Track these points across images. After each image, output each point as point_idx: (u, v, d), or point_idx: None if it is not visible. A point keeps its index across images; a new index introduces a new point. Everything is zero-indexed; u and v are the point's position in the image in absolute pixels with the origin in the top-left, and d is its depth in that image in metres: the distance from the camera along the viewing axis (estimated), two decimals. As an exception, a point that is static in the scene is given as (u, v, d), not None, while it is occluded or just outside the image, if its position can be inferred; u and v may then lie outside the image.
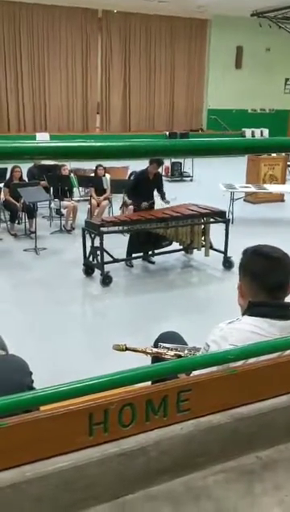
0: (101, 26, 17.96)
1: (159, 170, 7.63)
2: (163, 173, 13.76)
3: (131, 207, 8.39)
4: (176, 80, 19.50)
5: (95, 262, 6.27)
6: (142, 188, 6.95)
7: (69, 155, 0.95)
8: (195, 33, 19.27)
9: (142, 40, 18.64)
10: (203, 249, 6.73)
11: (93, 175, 9.26)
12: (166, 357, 2.04)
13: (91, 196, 8.92)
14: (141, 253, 6.90)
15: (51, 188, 8.79)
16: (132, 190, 7.18)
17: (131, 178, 8.76)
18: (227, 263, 6.54)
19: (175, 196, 7.27)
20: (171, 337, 2.37)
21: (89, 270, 6.33)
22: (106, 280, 6.02)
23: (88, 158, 0.96)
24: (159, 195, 7.17)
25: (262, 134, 19.35)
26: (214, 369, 1.24)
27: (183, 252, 7.18)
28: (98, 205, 8.82)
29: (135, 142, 0.95)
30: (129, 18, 18.11)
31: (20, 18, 16.77)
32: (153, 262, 6.89)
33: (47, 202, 8.63)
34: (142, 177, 6.98)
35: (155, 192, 7.19)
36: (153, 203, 7.12)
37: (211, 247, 6.74)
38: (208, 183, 11.16)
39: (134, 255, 6.78)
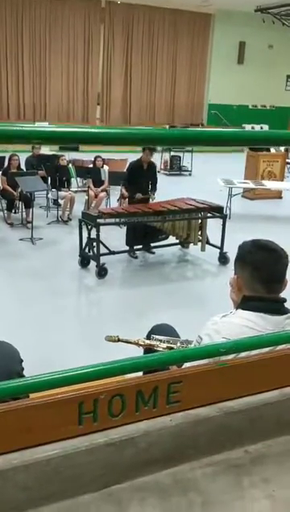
0: (103, 17, 17.84)
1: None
2: (162, 166, 13.75)
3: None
4: (178, 73, 19.41)
5: (91, 253, 6.26)
6: (136, 178, 6.95)
7: (67, 141, 0.94)
8: (198, 27, 19.16)
9: (144, 32, 18.52)
10: (199, 243, 6.74)
11: (91, 166, 9.23)
12: (158, 349, 2.04)
13: (89, 187, 8.89)
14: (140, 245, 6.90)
15: (49, 178, 8.75)
16: (127, 180, 7.18)
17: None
18: (223, 258, 6.55)
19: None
20: (164, 330, 2.37)
21: (84, 262, 6.32)
22: (102, 272, 6.01)
23: (86, 143, 0.96)
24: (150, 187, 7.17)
25: (262, 131, 19.33)
26: (205, 361, 1.24)
27: (179, 246, 7.18)
28: (96, 197, 8.79)
29: (133, 129, 0.94)
30: (132, 10, 17.99)
31: (23, 6, 16.64)
32: (154, 253, 6.92)
33: (45, 192, 8.60)
34: (137, 165, 6.98)
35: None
36: (148, 195, 7.10)
37: (207, 242, 6.74)
38: (206, 177, 11.14)
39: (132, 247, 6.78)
